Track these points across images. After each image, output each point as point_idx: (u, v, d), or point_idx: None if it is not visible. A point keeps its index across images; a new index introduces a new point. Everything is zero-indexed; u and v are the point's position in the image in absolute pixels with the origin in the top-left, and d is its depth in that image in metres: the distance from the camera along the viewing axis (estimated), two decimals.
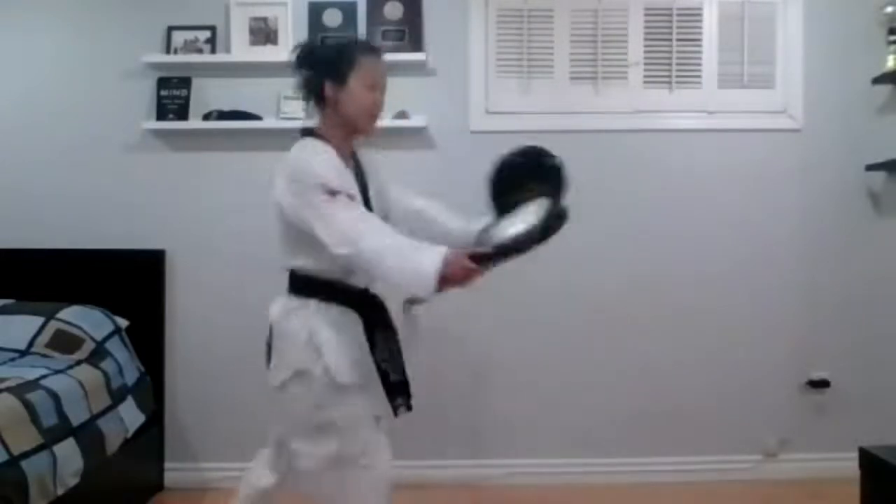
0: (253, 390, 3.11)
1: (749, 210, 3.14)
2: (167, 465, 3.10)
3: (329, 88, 1.88)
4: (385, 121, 2.99)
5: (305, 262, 1.89)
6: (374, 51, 1.95)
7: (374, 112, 1.92)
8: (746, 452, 3.13)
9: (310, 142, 1.89)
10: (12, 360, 2.64)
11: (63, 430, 2.32)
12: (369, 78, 1.88)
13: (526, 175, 1.95)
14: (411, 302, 1.93)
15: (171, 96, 3.08)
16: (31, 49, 3.14)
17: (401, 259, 1.72)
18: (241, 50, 3.07)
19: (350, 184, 1.86)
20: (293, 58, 1.94)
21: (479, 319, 3.08)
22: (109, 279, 3.04)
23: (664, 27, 3.14)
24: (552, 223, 1.86)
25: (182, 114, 3.07)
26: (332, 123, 1.92)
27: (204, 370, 3.13)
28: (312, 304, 1.89)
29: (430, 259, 1.69)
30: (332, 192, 1.76)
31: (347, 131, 1.93)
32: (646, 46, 3.14)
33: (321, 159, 1.83)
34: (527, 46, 3.13)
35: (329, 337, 1.86)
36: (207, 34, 3.10)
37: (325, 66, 1.89)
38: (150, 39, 3.10)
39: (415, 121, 3.03)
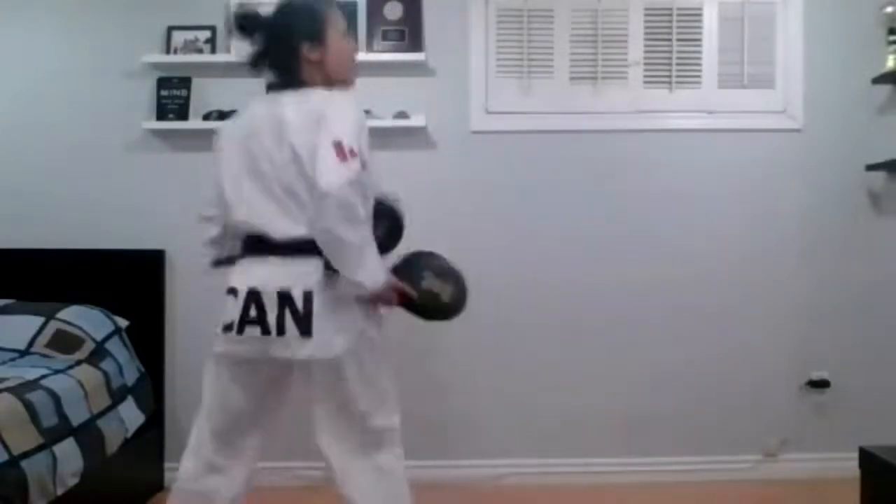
0: None
1: (749, 210, 3.14)
2: (167, 465, 3.09)
3: (308, 49, 1.85)
4: (385, 121, 3.01)
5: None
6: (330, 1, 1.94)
7: (356, 61, 1.95)
8: (746, 452, 3.13)
9: (337, 93, 1.83)
10: (12, 360, 2.65)
11: (63, 430, 2.32)
12: (341, 27, 1.88)
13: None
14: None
15: (171, 96, 3.09)
16: (31, 49, 3.14)
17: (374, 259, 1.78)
18: (241, 50, 3.05)
19: None
20: (241, 26, 1.93)
21: (478, 320, 3.08)
22: (109, 279, 3.04)
23: (664, 27, 3.14)
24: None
25: (182, 114, 3.07)
26: (318, 82, 1.87)
27: (204, 370, 3.12)
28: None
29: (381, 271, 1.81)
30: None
31: (330, 86, 1.88)
32: (646, 46, 3.14)
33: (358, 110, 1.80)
34: (527, 46, 3.13)
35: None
36: (207, 34, 3.10)
37: (299, 29, 1.85)
38: (150, 39, 3.10)
39: (415, 121, 3.02)
